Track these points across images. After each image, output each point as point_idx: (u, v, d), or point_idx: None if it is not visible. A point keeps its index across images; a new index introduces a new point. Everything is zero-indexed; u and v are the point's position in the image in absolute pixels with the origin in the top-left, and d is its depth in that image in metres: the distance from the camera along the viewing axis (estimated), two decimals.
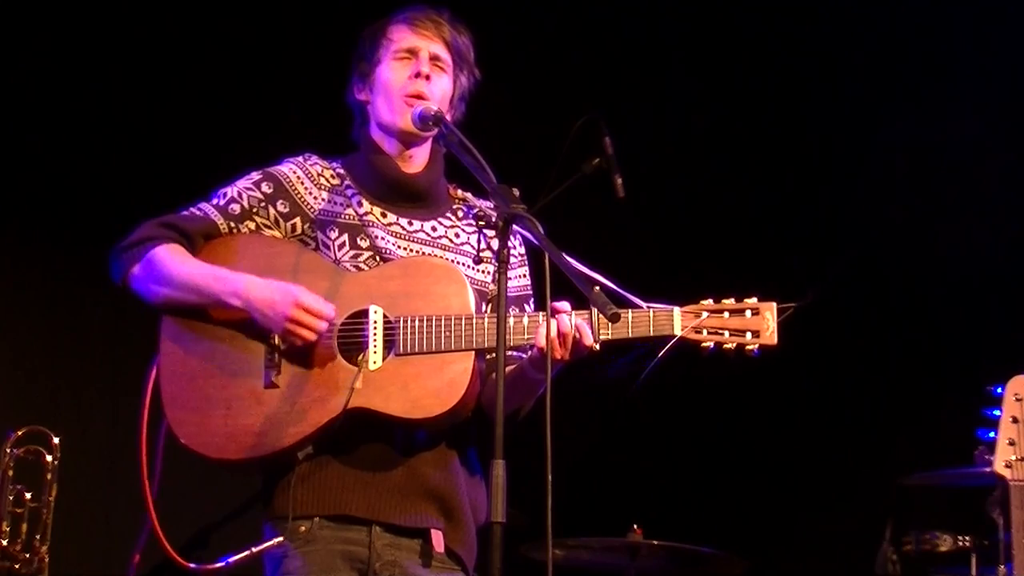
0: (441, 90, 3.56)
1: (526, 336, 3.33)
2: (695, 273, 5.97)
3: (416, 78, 3.53)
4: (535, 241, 3.13)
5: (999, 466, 3.90)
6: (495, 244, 3.51)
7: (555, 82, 6.09)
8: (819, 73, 6.29)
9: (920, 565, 5.13)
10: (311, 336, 3.33)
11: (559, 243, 3.08)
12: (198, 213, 3.52)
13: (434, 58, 3.56)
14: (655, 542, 5.14)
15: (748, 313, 3.32)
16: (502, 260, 3.10)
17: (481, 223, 3.51)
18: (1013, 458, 3.90)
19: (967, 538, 5.00)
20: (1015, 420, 3.92)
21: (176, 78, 5.95)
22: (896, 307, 6.22)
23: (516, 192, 3.15)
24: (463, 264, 3.56)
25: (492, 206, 3.51)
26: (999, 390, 3.97)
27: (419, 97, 3.51)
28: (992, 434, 3.93)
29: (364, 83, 3.62)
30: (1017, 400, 3.94)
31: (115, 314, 5.74)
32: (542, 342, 3.23)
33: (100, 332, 5.91)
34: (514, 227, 3.41)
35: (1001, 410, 3.94)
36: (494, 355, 3.14)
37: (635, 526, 5.15)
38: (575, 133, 3.66)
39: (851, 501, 6.07)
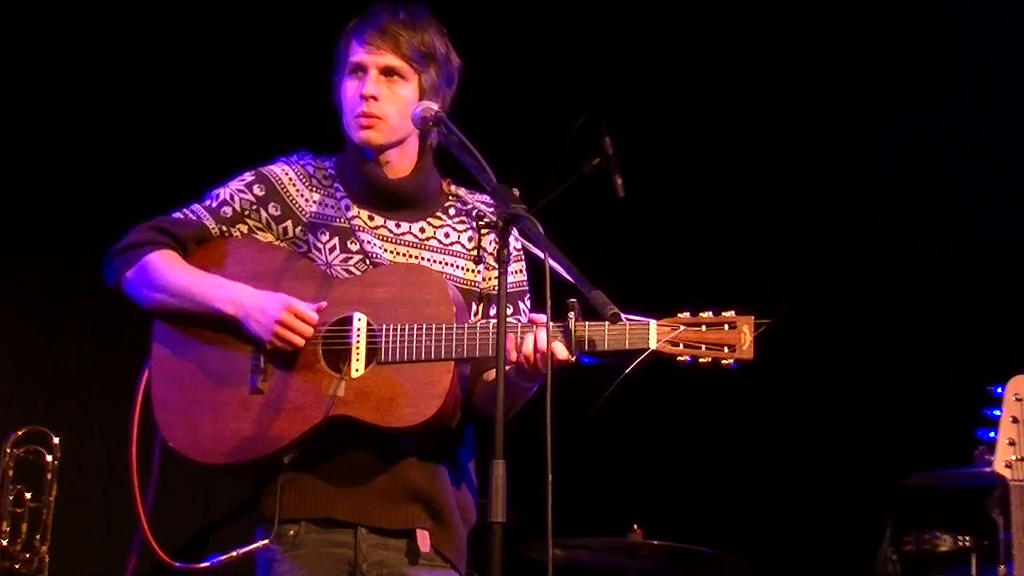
0: (398, 103, 3.46)
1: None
2: (675, 285, 5.93)
3: (362, 99, 3.46)
4: (534, 242, 3.12)
5: (999, 466, 3.90)
6: (485, 242, 3.51)
7: (555, 82, 6.09)
8: (807, 76, 6.27)
9: (920, 565, 5.13)
10: (298, 340, 3.34)
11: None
12: (191, 216, 3.52)
13: (386, 71, 3.47)
14: (655, 542, 5.14)
15: (725, 327, 3.27)
16: (501, 261, 3.09)
17: (481, 223, 3.51)
18: (1013, 458, 3.89)
19: (967, 538, 5.00)
20: (1015, 420, 3.92)
21: (169, 77, 5.94)
22: (896, 307, 6.21)
23: (516, 192, 3.14)
24: (452, 265, 3.54)
25: (488, 202, 3.52)
26: (999, 390, 3.97)
27: (366, 117, 3.44)
28: (992, 434, 3.93)
29: (336, 92, 3.58)
30: (1017, 400, 3.94)
31: (115, 314, 5.68)
32: (512, 356, 3.22)
33: (100, 332, 5.90)
34: None
35: (1001, 410, 3.94)
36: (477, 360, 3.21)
37: (635, 526, 5.15)
38: (575, 133, 3.66)
39: (851, 501, 6.07)
